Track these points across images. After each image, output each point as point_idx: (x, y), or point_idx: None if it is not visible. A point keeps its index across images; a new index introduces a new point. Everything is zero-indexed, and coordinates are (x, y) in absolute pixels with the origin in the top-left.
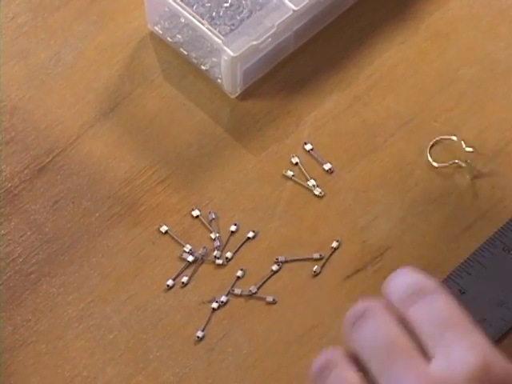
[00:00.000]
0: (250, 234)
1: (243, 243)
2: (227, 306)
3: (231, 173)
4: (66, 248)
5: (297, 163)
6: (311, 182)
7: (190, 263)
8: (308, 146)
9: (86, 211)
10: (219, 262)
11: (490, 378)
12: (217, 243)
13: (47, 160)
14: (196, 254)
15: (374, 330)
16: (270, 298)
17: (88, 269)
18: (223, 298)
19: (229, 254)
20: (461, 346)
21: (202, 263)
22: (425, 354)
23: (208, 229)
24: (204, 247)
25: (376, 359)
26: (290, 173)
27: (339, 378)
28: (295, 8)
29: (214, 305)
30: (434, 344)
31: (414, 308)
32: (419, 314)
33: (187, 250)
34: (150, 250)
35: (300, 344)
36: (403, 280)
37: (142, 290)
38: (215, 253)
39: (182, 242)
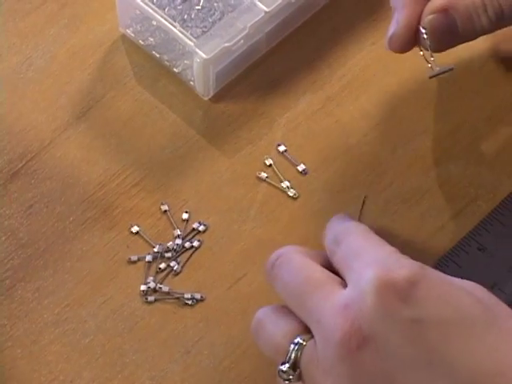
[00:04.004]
0: (201, 227)
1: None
2: (202, 309)
3: (205, 175)
4: (41, 252)
5: (270, 165)
6: (285, 184)
7: (150, 263)
8: (281, 148)
9: (60, 215)
10: (173, 264)
11: (393, 285)
12: (177, 241)
13: (20, 165)
14: (152, 254)
15: (286, 272)
16: (197, 296)
17: (63, 273)
18: (197, 296)
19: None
20: (363, 266)
21: (168, 272)
22: (342, 284)
23: (175, 227)
24: (160, 244)
25: (293, 300)
26: (263, 174)
27: (267, 329)
28: (267, 9)
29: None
30: (346, 275)
31: (338, 249)
32: (339, 253)
33: (156, 251)
34: (125, 254)
35: None
36: (331, 230)
37: (117, 294)
38: (170, 254)
39: (152, 243)
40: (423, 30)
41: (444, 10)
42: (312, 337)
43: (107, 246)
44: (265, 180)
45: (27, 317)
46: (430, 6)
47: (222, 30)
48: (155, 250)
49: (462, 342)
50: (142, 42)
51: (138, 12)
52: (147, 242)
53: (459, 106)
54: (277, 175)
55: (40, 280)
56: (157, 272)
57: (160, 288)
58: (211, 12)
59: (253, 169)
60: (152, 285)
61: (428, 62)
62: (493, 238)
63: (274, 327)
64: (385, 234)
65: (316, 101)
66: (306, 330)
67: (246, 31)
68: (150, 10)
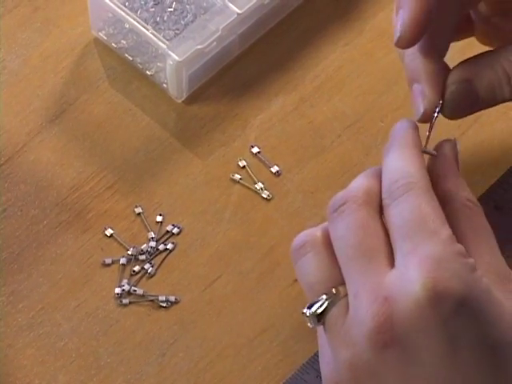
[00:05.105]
0: (175, 230)
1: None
2: (177, 311)
3: (179, 177)
4: (15, 256)
5: (244, 166)
6: (259, 185)
7: (124, 265)
8: (255, 149)
9: (34, 219)
10: (147, 266)
11: (441, 301)
12: (151, 243)
13: None
14: (126, 256)
15: (345, 226)
16: (172, 298)
17: (37, 276)
18: (172, 298)
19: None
20: (415, 258)
21: (142, 274)
22: (391, 259)
23: (149, 229)
24: (134, 246)
25: (341, 257)
26: (237, 176)
27: (310, 261)
28: (239, 11)
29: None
30: (396, 249)
31: (392, 205)
32: (393, 213)
33: (130, 254)
34: (99, 257)
35: (251, 347)
36: (397, 165)
37: (91, 297)
38: (144, 256)
39: (126, 246)
40: (437, 108)
41: (467, 81)
42: (347, 294)
43: (81, 249)
44: (238, 182)
45: (2, 321)
46: (453, 76)
47: (195, 33)
48: (129, 252)
49: (489, 372)
50: (115, 45)
51: (110, 15)
52: (121, 244)
53: None
54: (250, 177)
55: (14, 284)
56: (131, 275)
57: (134, 291)
58: (183, 14)
59: (226, 171)
60: (126, 287)
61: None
62: None
63: (316, 264)
64: None
65: (289, 102)
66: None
67: (219, 33)
68: (123, 13)
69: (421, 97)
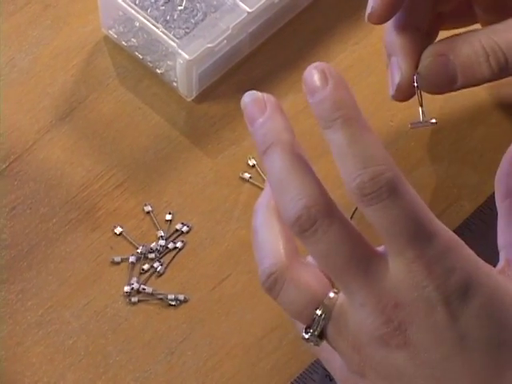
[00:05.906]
0: (184, 228)
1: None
2: (186, 310)
3: (188, 176)
4: (24, 254)
5: (254, 165)
6: None
7: (133, 264)
8: None
9: (43, 217)
10: (156, 265)
11: (447, 299)
12: (161, 242)
13: (4, 166)
14: (135, 255)
15: (326, 246)
16: (181, 297)
17: (46, 274)
18: (181, 297)
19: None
20: (421, 265)
21: (151, 273)
22: (383, 257)
23: (158, 228)
24: (143, 245)
25: (334, 273)
26: (247, 175)
27: (288, 292)
28: (250, 10)
29: (173, 302)
30: (395, 253)
31: (377, 207)
32: (382, 216)
33: (139, 252)
34: (108, 255)
35: (259, 346)
36: (368, 153)
37: (100, 295)
38: (154, 255)
39: (135, 244)
40: (415, 77)
41: (442, 55)
42: (337, 299)
43: (90, 247)
44: (248, 180)
45: (11, 318)
46: (428, 50)
47: (205, 31)
48: (138, 251)
49: (496, 372)
50: (125, 43)
51: (120, 13)
52: (130, 243)
53: (442, 107)
54: (260, 176)
55: (23, 281)
56: (140, 273)
57: (143, 289)
58: (194, 13)
59: (236, 169)
60: (135, 286)
61: (420, 106)
62: (476, 238)
63: (295, 291)
64: (368, 234)
65: (299, 101)
66: (332, 287)
67: (229, 32)
68: (133, 11)
69: (396, 69)
